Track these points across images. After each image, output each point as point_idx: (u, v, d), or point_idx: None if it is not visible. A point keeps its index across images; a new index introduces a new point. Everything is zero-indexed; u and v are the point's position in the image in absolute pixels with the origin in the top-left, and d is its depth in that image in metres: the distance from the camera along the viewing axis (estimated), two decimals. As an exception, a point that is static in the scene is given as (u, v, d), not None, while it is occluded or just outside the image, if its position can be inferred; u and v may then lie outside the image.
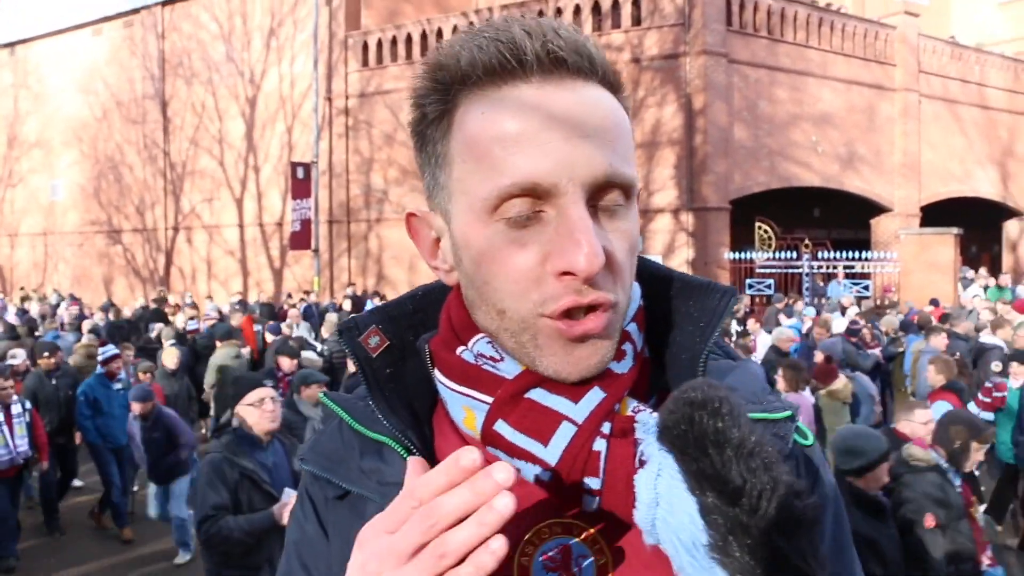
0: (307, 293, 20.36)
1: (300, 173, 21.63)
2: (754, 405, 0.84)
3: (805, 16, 19.82)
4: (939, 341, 9.60)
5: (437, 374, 0.88)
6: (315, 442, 0.95)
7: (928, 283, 17.56)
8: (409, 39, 21.06)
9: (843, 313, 13.43)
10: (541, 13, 18.02)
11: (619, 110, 0.82)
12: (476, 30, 0.80)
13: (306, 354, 9.46)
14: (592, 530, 0.80)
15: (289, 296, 20.27)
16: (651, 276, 0.92)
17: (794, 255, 18.31)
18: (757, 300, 17.65)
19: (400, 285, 20.69)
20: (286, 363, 8.79)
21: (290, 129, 23.43)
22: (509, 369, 0.82)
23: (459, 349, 0.85)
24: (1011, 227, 26.60)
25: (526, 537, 0.80)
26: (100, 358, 8.65)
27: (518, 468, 0.78)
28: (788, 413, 0.86)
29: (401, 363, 0.92)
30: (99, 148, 28.35)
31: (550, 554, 0.80)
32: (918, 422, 4.84)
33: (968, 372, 8.91)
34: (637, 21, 18.29)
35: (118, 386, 8.45)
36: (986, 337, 10.61)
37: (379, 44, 21.64)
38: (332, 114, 22.28)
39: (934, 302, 14.94)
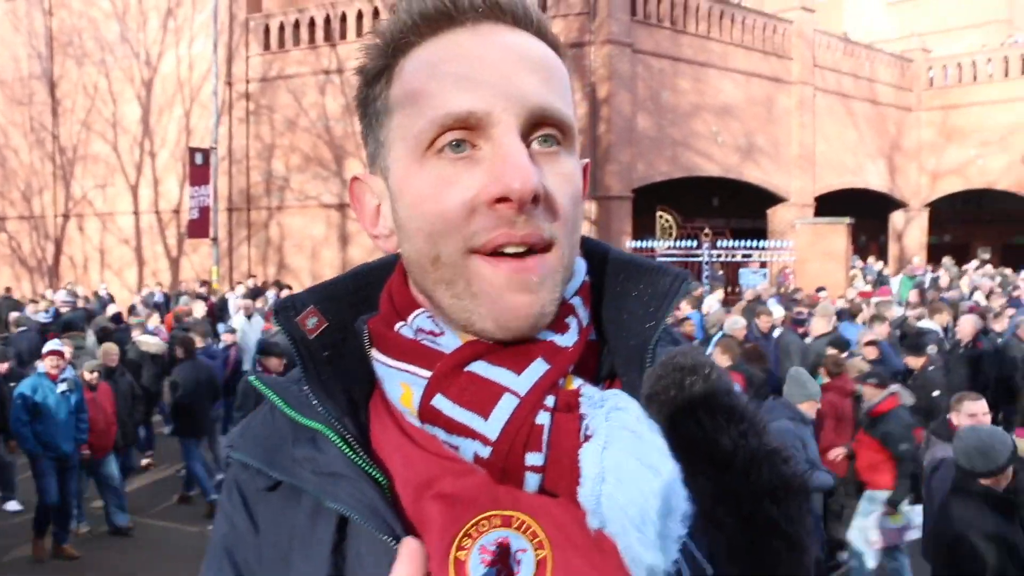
0: (206, 283, 19.80)
1: (199, 159, 20.97)
2: None
3: (707, 8, 20.26)
4: (882, 329, 9.79)
5: (375, 352, 0.85)
6: (245, 428, 0.90)
7: (822, 271, 18.23)
8: (312, 23, 20.63)
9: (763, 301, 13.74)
10: None
11: (555, 58, 0.82)
12: None
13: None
14: (532, 522, 0.77)
15: (205, 284, 19.59)
16: (599, 255, 0.90)
17: (694, 244, 18.74)
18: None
19: (302, 274, 20.33)
20: (274, 363, 7.96)
21: (188, 113, 22.70)
22: (449, 343, 0.79)
23: (398, 325, 0.83)
24: (897, 218, 27.88)
25: (463, 530, 0.77)
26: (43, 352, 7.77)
27: (456, 445, 0.76)
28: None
29: (340, 345, 0.87)
30: (-20, 130, 26.94)
31: (488, 547, 0.77)
32: (966, 413, 5.03)
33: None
34: (543, 9, 18.30)
35: (63, 387, 7.47)
36: (924, 323, 10.93)
37: (281, 28, 21.14)
38: (232, 98, 21.67)
39: (821, 289, 15.51)
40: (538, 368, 0.76)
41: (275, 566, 0.82)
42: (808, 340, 9.83)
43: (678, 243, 18.75)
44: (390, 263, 0.91)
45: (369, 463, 0.79)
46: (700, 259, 18.71)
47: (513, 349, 0.77)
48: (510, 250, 0.75)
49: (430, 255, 0.78)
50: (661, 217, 19.11)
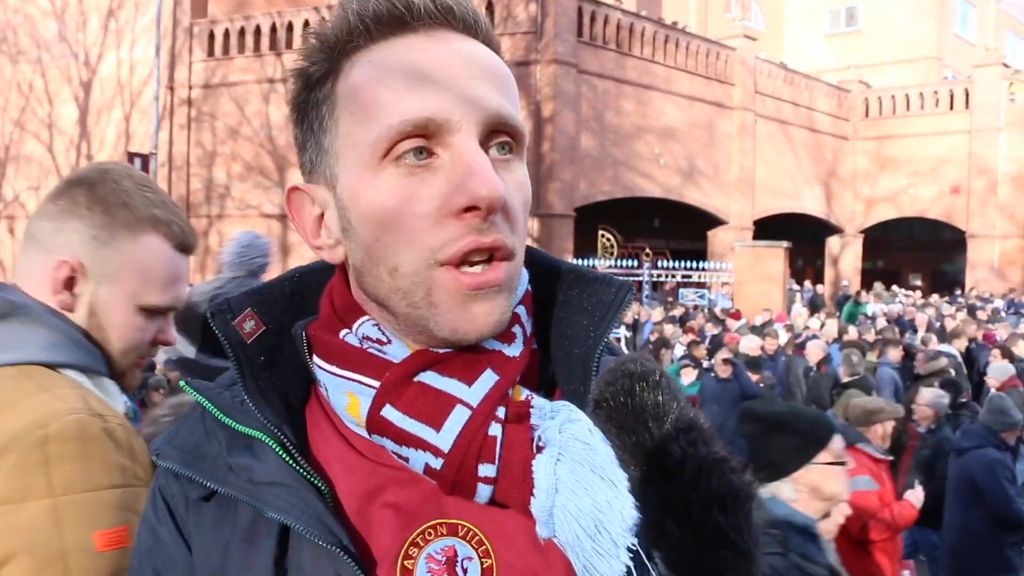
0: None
1: (138, 164, 20.55)
2: None
3: (652, 32, 20.58)
4: (896, 354, 9.73)
5: (316, 360, 0.82)
6: (173, 435, 0.85)
7: (760, 293, 18.51)
8: (258, 31, 20.43)
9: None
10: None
11: (505, 67, 0.81)
12: None
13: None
14: (478, 531, 0.76)
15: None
16: (540, 264, 0.88)
17: (635, 263, 18.93)
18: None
19: (242, 283, 20.00)
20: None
21: (128, 117, 22.21)
22: (397, 352, 0.78)
23: (342, 333, 0.81)
24: (833, 243, 28.55)
25: (410, 538, 0.76)
26: None
27: (406, 457, 0.75)
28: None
29: (276, 350, 0.84)
30: (-93, 126, 26.00)
31: (435, 556, 0.76)
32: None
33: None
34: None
35: None
36: (943, 347, 10.74)
37: (226, 34, 20.88)
38: (174, 104, 21.30)
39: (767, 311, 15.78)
40: (488, 379, 0.76)
41: None
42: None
43: (619, 262, 18.92)
44: (327, 267, 0.88)
45: (310, 471, 0.77)
46: (641, 279, 18.90)
47: (462, 359, 0.77)
48: (475, 258, 0.75)
49: (388, 265, 0.76)
50: (603, 236, 19.28)
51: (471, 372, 0.76)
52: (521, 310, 0.82)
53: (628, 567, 0.69)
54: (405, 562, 0.76)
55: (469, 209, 0.73)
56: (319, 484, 0.77)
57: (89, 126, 22.82)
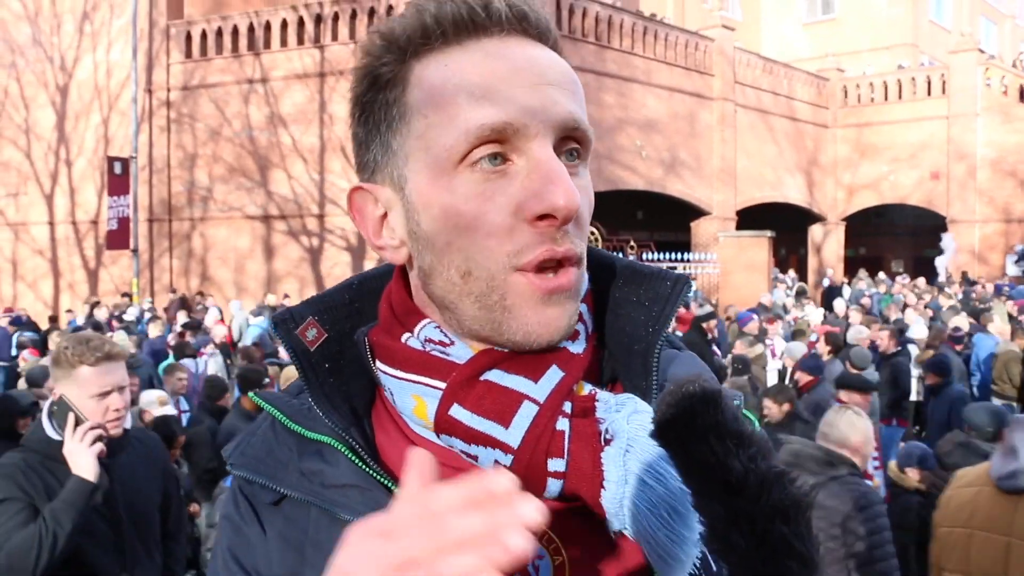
0: (126, 295, 19.25)
1: (118, 168, 20.39)
2: None
3: (631, 24, 20.61)
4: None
5: (379, 365, 0.83)
6: (244, 444, 0.88)
7: (745, 283, 18.63)
8: (236, 31, 20.28)
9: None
10: (372, 11, 17.85)
11: (575, 74, 0.82)
12: None
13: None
14: (547, 529, 0.76)
15: (126, 296, 18.99)
16: (597, 261, 0.89)
17: (620, 256, 18.95)
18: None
19: (225, 286, 19.91)
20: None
21: (106, 121, 22.01)
22: (460, 353, 0.78)
23: (404, 336, 0.82)
24: (815, 231, 28.73)
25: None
26: None
27: (475, 455, 0.76)
28: (739, 401, 0.86)
29: (339, 357, 0.86)
30: None
31: None
32: None
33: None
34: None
35: None
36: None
37: (203, 35, 20.72)
38: (153, 106, 21.13)
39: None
40: (554, 375, 0.76)
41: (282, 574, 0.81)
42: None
43: (604, 255, 18.92)
44: (385, 273, 0.90)
45: (381, 472, 0.79)
46: (626, 271, 18.92)
47: (527, 356, 0.77)
48: (547, 265, 0.75)
49: (461, 269, 0.76)
50: (587, 229, 19.29)
51: (537, 369, 0.77)
52: (582, 307, 0.83)
53: (703, 553, 0.71)
54: None
55: (544, 217, 0.74)
56: (390, 485, 0.78)
57: (67, 131, 22.60)
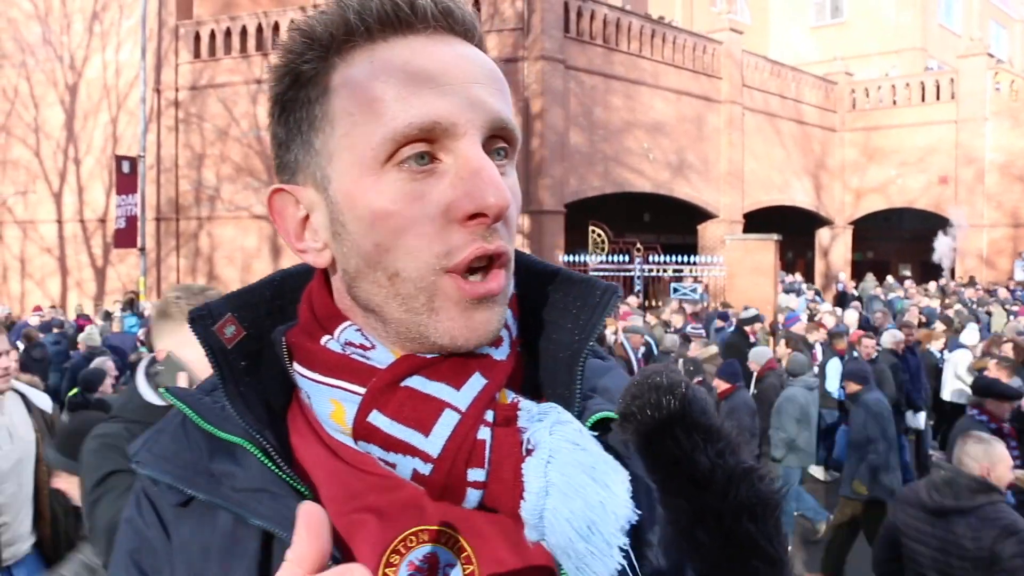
0: (133, 294, 19.30)
1: (126, 167, 20.38)
2: None
3: (639, 27, 20.58)
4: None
5: (297, 367, 0.81)
6: (152, 441, 0.83)
7: (752, 286, 18.55)
8: (244, 32, 20.34)
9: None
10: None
11: (500, 71, 0.80)
12: None
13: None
14: (459, 537, 0.76)
15: (132, 294, 19.01)
16: (525, 266, 0.86)
17: (626, 259, 18.94)
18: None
19: (232, 286, 19.86)
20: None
21: (115, 120, 22.09)
22: (381, 358, 0.76)
23: (324, 339, 0.79)
24: (823, 235, 28.65)
25: (392, 546, 0.75)
26: None
27: (393, 463, 0.74)
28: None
29: (257, 356, 0.83)
30: None
31: (416, 563, 0.75)
32: None
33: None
34: (477, 24, 18.41)
35: None
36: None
37: (212, 35, 20.78)
38: (161, 106, 21.19)
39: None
40: (476, 383, 0.75)
41: None
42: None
43: (610, 258, 18.93)
44: (309, 271, 0.87)
45: (294, 477, 0.76)
46: (632, 274, 18.92)
47: (449, 363, 0.76)
48: (477, 264, 0.74)
49: (388, 270, 0.74)
50: (593, 232, 19.28)
51: (459, 376, 0.75)
52: (508, 313, 0.81)
53: (622, 566, 0.69)
54: (387, 570, 0.75)
55: (475, 216, 0.73)
56: (303, 490, 0.76)
57: (76, 130, 22.69)
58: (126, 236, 20.49)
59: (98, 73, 22.22)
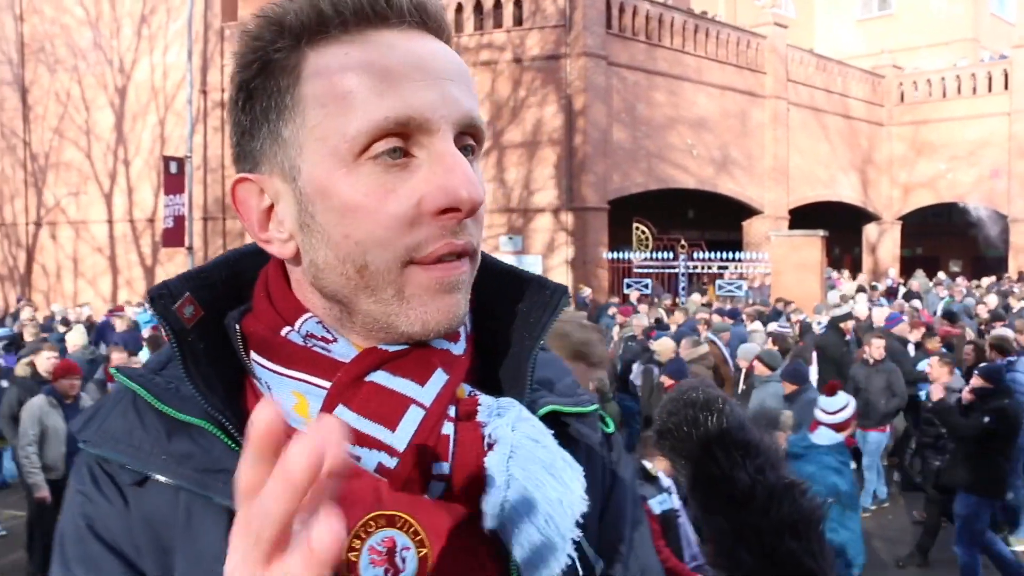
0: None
1: (173, 167, 20.72)
2: (567, 399, 0.86)
3: (682, 22, 20.42)
4: None
5: (256, 357, 0.81)
6: (98, 422, 0.82)
7: (797, 283, 18.32)
8: (289, 32, 20.58)
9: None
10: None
11: (467, 68, 0.82)
12: None
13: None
14: (414, 522, 0.78)
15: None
16: (479, 265, 0.88)
17: (670, 255, 18.81)
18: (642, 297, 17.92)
19: (279, 283, 20.17)
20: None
21: (163, 121, 22.50)
22: (342, 351, 0.77)
23: (284, 330, 0.79)
24: (870, 230, 28.18)
25: (353, 532, 0.77)
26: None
27: (358, 456, 0.75)
28: (595, 407, 0.88)
29: (216, 336, 0.83)
30: (-50, 137, 26.53)
31: (376, 547, 0.78)
32: None
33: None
34: (519, 21, 18.42)
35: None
36: None
37: (257, 36, 21.05)
38: (207, 107, 21.54)
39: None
40: (439, 378, 0.77)
41: (155, 554, 0.77)
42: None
43: (654, 254, 18.82)
44: (261, 251, 0.85)
45: None
46: (677, 271, 18.79)
47: (412, 358, 0.77)
48: (447, 260, 0.76)
49: (357, 263, 0.75)
50: (637, 228, 19.18)
51: (423, 371, 0.77)
52: None
53: (572, 558, 0.74)
54: (349, 554, 0.77)
55: (447, 211, 0.74)
56: None
57: (125, 131, 23.15)
58: (174, 235, 20.84)
59: (146, 76, 22.64)
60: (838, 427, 5.35)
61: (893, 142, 27.77)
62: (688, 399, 0.70)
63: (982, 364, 7.97)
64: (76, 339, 10.92)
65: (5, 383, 8.03)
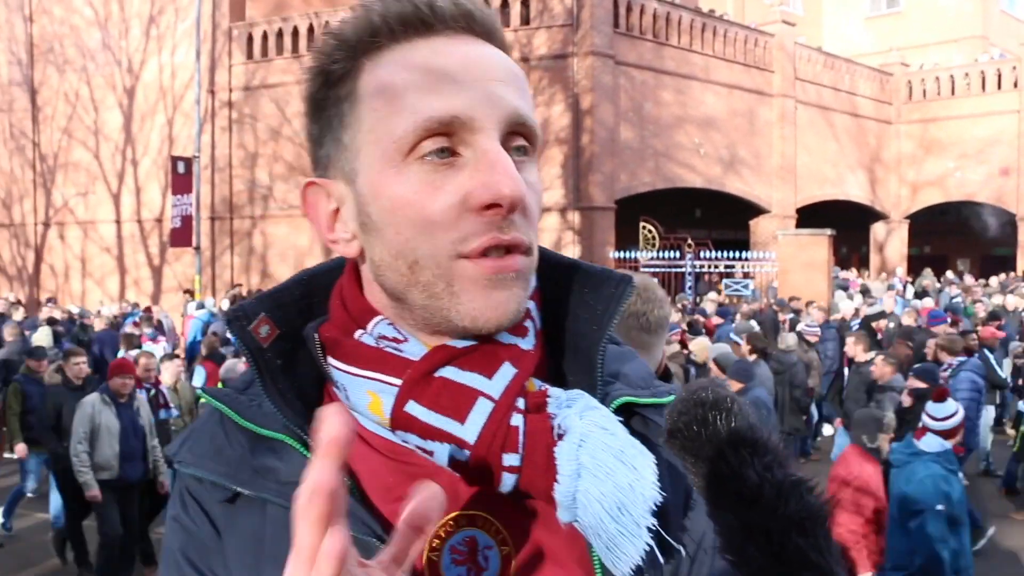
0: (188, 292, 19.69)
1: (181, 167, 20.81)
2: (643, 390, 0.86)
3: (689, 21, 20.39)
4: None
5: (333, 361, 0.83)
6: (193, 441, 0.87)
7: (805, 282, 18.29)
8: (296, 32, 20.61)
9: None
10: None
11: (521, 71, 0.84)
12: None
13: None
14: (495, 521, 0.80)
15: (188, 292, 19.36)
16: (545, 261, 0.90)
17: (677, 255, 18.79)
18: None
19: (286, 283, 20.20)
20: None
21: (171, 122, 22.56)
22: (413, 350, 0.79)
23: (357, 333, 0.82)
24: (878, 229, 28.09)
25: (433, 531, 0.78)
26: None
27: (431, 450, 0.77)
28: (671, 397, 0.88)
29: (291, 353, 0.87)
30: (-41, 137, 26.66)
31: (457, 547, 0.79)
32: None
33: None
34: (526, 20, 18.42)
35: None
36: None
37: (264, 36, 21.10)
38: (215, 107, 21.59)
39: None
40: (507, 372, 0.78)
41: (246, 571, 0.80)
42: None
43: (661, 254, 18.80)
44: (334, 268, 0.91)
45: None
46: (684, 270, 18.77)
47: (480, 353, 0.79)
48: (493, 253, 0.77)
49: (408, 259, 0.78)
50: (644, 228, 19.16)
51: (490, 366, 0.78)
52: (531, 305, 0.84)
53: (650, 546, 0.73)
54: (431, 554, 0.79)
55: (491, 206, 0.75)
56: (347, 480, 0.77)
57: (133, 132, 23.23)
58: (182, 235, 20.92)
59: (154, 76, 22.71)
60: (946, 434, 5.18)
61: (901, 140, 27.67)
62: (698, 399, 0.71)
63: (916, 365, 8.02)
64: (41, 339, 10.98)
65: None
